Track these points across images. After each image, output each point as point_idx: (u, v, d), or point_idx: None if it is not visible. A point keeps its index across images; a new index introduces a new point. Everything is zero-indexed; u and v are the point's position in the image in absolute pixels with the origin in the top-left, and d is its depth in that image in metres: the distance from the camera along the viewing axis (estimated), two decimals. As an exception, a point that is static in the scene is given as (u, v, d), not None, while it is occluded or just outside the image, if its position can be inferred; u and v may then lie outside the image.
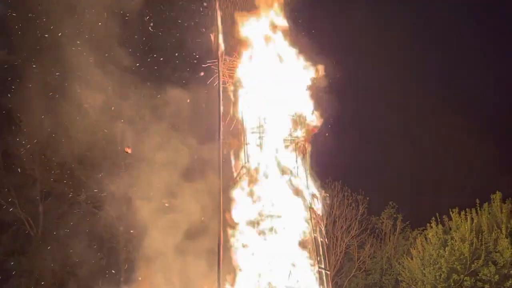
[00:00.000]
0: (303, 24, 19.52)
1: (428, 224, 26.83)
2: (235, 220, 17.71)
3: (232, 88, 18.50)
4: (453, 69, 45.80)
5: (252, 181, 18.01)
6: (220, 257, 16.76)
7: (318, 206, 18.76)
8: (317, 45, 19.00)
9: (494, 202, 26.15)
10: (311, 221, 18.09)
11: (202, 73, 18.94)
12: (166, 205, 19.50)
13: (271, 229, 17.63)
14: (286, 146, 18.52)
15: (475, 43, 44.46)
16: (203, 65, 18.54)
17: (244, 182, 18.00)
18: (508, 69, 44.84)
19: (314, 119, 18.79)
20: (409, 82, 42.50)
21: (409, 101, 42.89)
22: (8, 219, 27.88)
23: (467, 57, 45.66)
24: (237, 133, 18.39)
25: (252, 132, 18.26)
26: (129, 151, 21.59)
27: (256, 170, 18.11)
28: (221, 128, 17.54)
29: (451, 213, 26.44)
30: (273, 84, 18.23)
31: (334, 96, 20.12)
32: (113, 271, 25.80)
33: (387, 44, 42.71)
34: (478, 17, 46.78)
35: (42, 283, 26.87)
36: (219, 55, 17.89)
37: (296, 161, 18.57)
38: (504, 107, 41.79)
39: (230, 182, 18.04)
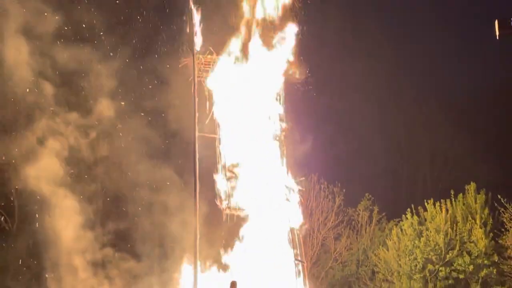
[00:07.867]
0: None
1: (403, 215, 27.04)
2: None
3: (207, 83, 18.53)
4: (427, 61, 46.12)
5: (230, 176, 18.18)
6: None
7: (295, 198, 18.92)
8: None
9: (468, 193, 26.35)
10: (288, 212, 18.32)
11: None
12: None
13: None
14: (262, 140, 18.63)
15: (449, 37, 44.84)
16: (179, 65, 18.56)
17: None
18: (482, 60, 45.31)
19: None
20: (385, 74, 42.80)
21: (385, 93, 43.21)
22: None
23: (444, 50, 46.17)
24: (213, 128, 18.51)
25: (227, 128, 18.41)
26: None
27: (233, 165, 18.26)
28: (196, 122, 17.58)
29: (426, 204, 26.67)
30: (246, 84, 18.36)
31: (309, 89, 20.26)
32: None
33: (363, 37, 43.02)
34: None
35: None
36: (194, 51, 17.85)
37: (272, 154, 18.71)
38: (479, 99, 42.15)
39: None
